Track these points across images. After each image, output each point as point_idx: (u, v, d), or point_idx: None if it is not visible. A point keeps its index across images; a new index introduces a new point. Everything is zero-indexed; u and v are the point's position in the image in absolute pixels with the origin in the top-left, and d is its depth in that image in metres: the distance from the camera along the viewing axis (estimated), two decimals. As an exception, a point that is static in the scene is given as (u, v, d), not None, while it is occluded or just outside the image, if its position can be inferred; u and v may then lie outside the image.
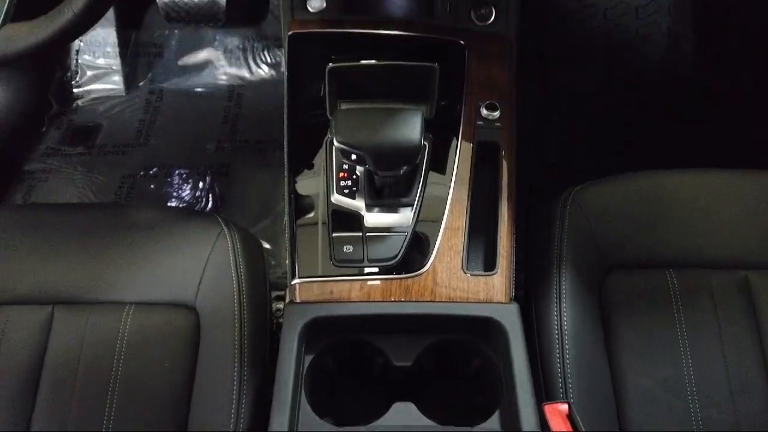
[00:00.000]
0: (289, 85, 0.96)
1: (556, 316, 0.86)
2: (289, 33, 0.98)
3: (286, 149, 0.92)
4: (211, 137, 1.67)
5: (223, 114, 1.71)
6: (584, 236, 0.91)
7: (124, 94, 1.76)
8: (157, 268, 0.90)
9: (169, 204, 1.57)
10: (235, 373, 0.83)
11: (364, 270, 0.83)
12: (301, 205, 0.88)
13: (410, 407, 0.75)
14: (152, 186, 1.60)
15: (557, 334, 0.85)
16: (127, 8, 1.74)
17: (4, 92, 1.61)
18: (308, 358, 0.79)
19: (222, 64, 1.79)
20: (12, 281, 0.89)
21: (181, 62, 1.79)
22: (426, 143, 0.89)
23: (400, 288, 0.82)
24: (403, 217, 0.86)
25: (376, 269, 0.83)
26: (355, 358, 0.85)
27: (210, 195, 1.58)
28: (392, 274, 0.82)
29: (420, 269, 0.83)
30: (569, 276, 0.88)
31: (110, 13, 1.69)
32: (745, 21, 1.52)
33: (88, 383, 0.84)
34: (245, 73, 1.77)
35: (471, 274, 0.83)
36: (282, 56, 1.73)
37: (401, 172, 0.81)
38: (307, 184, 0.89)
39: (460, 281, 0.82)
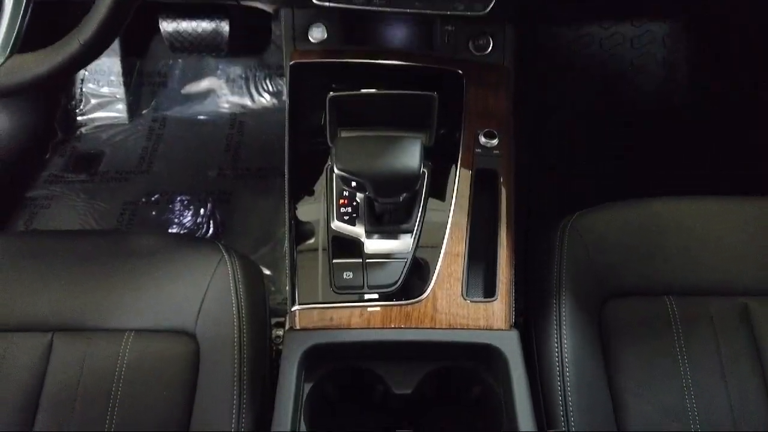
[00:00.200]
0: (291, 113, 0.97)
1: (557, 343, 0.85)
2: (291, 62, 1.00)
3: (287, 176, 0.93)
4: (212, 164, 1.69)
5: (225, 141, 1.73)
6: (583, 264, 0.91)
7: (127, 122, 1.78)
8: (157, 295, 0.90)
9: (170, 230, 1.57)
10: (235, 401, 0.82)
11: (364, 296, 0.83)
12: (301, 232, 0.89)
13: None
14: (154, 213, 1.61)
15: (558, 361, 0.84)
16: (131, 38, 1.77)
17: (11, 120, 1.63)
18: (308, 386, 0.79)
19: (224, 92, 1.81)
20: (13, 308, 0.89)
21: (184, 91, 1.82)
22: (425, 170, 0.90)
23: (400, 314, 0.82)
24: (403, 243, 0.86)
25: (376, 296, 0.83)
26: (356, 385, 0.84)
27: (211, 222, 1.59)
28: (392, 300, 0.83)
29: (420, 295, 0.83)
30: (569, 303, 0.88)
31: (115, 43, 1.72)
32: (744, 25, 1.54)
33: (86, 410, 0.83)
34: (247, 102, 1.80)
35: (471, 301, 0.83)
36: (283, 85, 1.75)
37: (401, 198, 0.82)
38: (308, 211, 0.90)
39: (460, 308, 0.82)
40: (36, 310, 0.89)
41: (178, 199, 1.62)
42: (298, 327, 0.81)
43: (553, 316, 0.87)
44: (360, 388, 0.84)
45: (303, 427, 0.75)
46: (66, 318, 0.89)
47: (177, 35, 1.63)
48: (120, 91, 1.78)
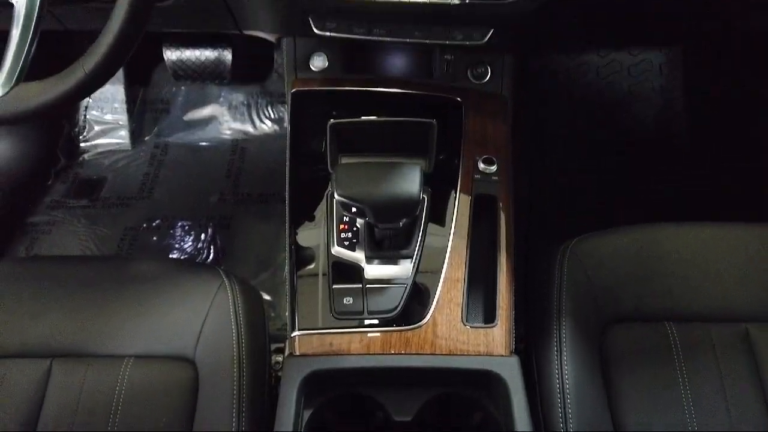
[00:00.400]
0: (292, 139, 0.99)
1: (557, 369, 0.85)
2: (293, 90, 1.01)
3: (287, 202, 0.94)
4: (214, 190, 1.69)
5: (226, 167, 1.74)
6: (583, 289, 0.91)
7: (129, 149, 1.79)
8: (157, 320, 0.90)
9: (170, 256, 1.57)
10: (234, 427, 0.81)
11: (364, 322, 0.83)
12: (301, 257, 0.89)
13: None
14: (154, 238, 1.61)
15: (558, 388, 0.84)
16: (136, 66, 1.80)
17: (14, 147, 1.64)
18: (307, 412, 0.78)
19: (226, 119, 1.83)
20: (12, 334, 0.89)
21: (186, 117, 1.84)
22: (425, 196, 0.90)
23: (400, 340, 0.82)
24: (403, 268, 0.86)
25: (376, 321, 0.83)
26: (356, 412, 0.83)
27: (211, 247, 1.59)
28: (392, 326, 0.82)
29: (420, 321, 0.83)
30: (569, 329, 0.88)
31: (120, 71, 1.73)
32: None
33: (84, 438, 0.82)
34: (249, 128, 1.81)
35: (471, 327, 0.83)
36: (285, 112, 1.77)
37: (401, 224, 0.83)
38: (308, 236, 0.91)
39: (460, 333, 0.82)
40: (35, 336, 0.89)
41: (179, 224, 1.63)
42: (297, 353, 0.81)
43: (553, 342, 0.87)
44: (360, 415, 0.84)
45: None
46: (65, 344, 0.88)
47: (181, 64, 1.66)
48: (123, 118, 1.80)
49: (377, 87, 1.01)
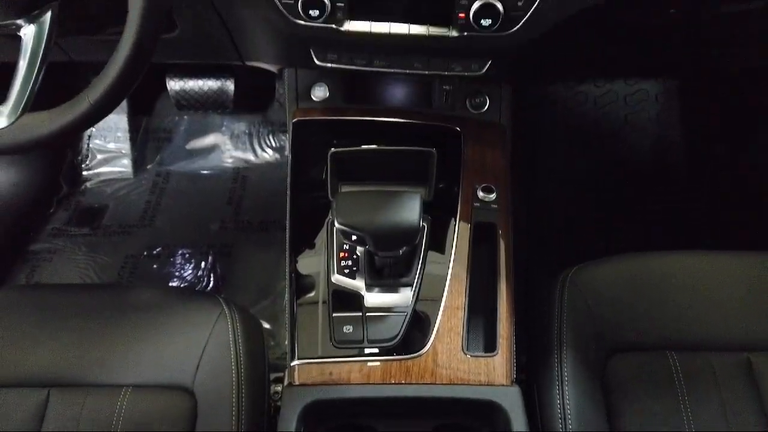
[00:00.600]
0: (293, 168, 0.99)
1: (559, 399, 0.84)
2: (294, 120, 1.03)
3: (288, 230, 0.94)
4: (215, 218, 1.70)
5: (227, 195, 1.75)
6: (583, 319, 0.91)
7: (132, 177, 1.80)
8: (156, 349, 0.90)
9: (171, 284, 1.57)
10: (232, 459, 0.80)
11: (364, 351, 0.82)
12: (301, 285, 0.89)
13: None
14: (155, 266, 1.61)
15: (560, 418, 0.83)
16: (139, 96, 1.82)
17: (17, 176, 1.66)
18: None
19: (228, 147, 1.84)
20: (10, 363, 0.89)
21: (188, 146, 1.85)
22: (425, 224, 0.91)
23: (401, 369, 0.81)
24: (403, 296, 0.86)
25: (376, 350, 0.82)
26: (355, 443, 0.83)
27: (211, 275, 1.59)
28: (392, 354, 0.82)
29: (420, 349, 0.82)
30: (570, 359, 0.87)
31: (123, 101, 1.76)
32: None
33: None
34: (250, 157, 1.83)
35: (471, 356, 0.82)
36: (286, 141, 1.79)
37: (401, 252, 0.83)
38: (308, 264, 0.91)
39: (461, 363, 0.82)
40: (33, 365, 0.88)
41: (180, 252, 1.63)
42: (297, 382, 0.81)
43: (554, 372, 0.86)
44: (360, 446, 0.83)
45: None
46: (63, 373, 0.88)
47: (184, 93, 1.68)
48: (126, 147, 1.81)
49: (377, 117, 1.02)
